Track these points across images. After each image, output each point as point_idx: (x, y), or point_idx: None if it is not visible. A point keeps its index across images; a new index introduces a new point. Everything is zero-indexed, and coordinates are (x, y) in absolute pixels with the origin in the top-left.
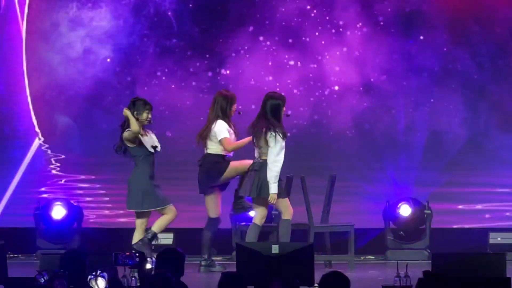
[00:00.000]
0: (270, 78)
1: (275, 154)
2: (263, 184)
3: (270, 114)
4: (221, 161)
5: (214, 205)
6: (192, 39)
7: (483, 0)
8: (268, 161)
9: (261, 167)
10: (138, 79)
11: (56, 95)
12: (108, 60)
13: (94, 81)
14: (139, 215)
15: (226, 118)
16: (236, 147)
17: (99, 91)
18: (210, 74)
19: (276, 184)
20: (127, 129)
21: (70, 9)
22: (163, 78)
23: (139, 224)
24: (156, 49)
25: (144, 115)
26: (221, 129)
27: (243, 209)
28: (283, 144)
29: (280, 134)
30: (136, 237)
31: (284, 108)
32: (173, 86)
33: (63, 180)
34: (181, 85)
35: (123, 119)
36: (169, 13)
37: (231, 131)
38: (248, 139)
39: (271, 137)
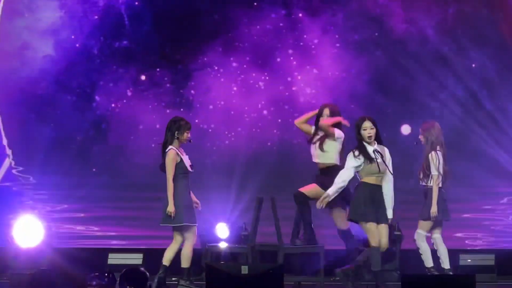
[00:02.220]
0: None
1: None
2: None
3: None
4: None
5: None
6: (154, 46)
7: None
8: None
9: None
10: (85, 83)
11: None
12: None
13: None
14: (179, 229)
15: None
16: None
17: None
18: (172, 87)
19: None
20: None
21: None
22: (118, 85)
23: (179, 237)
24: (114, 51)
25: (185, 135)
26: None
27: None
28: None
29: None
30: (172, 249)
31: None
32: (129, 94)
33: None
34: (142, 94)
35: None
36: (124, 13)
37: None
38: None
39: None
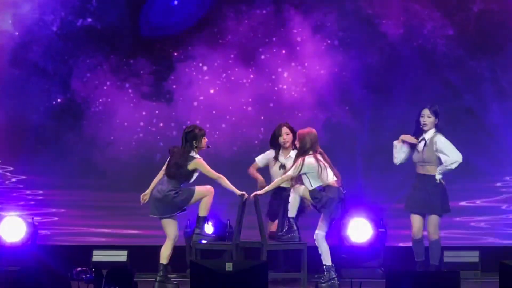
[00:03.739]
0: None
1: None
2: None
3: None
4: None
5: None
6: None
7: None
8: None
9: None
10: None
11: None
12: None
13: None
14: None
15: None
16: None
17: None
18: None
19: None
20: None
21: None
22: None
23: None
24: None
25: (203, 142)
26: None
27: None
28: None
29: None
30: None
31: None
32: (108, 83)
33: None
34: (116, 84)
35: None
36: None
37: None
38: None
39: None
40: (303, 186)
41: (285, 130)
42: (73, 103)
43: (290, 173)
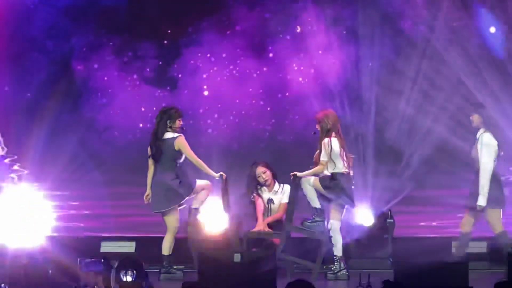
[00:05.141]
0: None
1: None
2: None
3: None
4: None
5: None
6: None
7: None
8: None
9: None
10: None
11: None
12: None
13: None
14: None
15: None
16: None
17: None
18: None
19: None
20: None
21: None
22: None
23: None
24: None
25: (177, 122)
26: None
27: None
28: None
29: None
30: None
31: None
32: (110, 65)
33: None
34: (119, 66)
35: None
36: None
37: None
38: None
39: None
40: (312, 177)
41: (260, 169)
42: (72, 83)
43: (323, 159)
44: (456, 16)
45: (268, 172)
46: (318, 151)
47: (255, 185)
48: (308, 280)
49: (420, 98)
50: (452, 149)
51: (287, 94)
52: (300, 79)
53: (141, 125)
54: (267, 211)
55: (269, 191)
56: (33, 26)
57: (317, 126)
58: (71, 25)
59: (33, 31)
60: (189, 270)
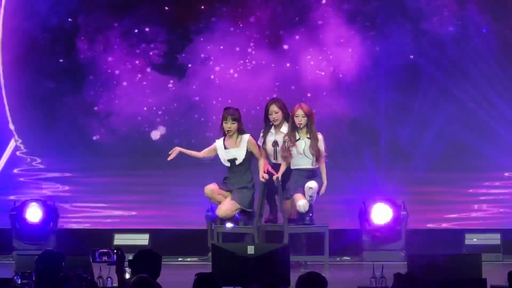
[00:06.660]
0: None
1: None
2: None
3: None
4: None
5: None
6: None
7: None
8: None
9: None
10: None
11: None
12: None
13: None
14: None
15: None
16: None
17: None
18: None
19: None
20: None
21: None
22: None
23: None
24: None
25: (224, 125)
26: None
27: None
28: None
29: None
30: None
31: None
32: (116, 47)
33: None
34: (125, 50)
35: None
36: None
37: None
38: None
39: None
40: (316, 186)
41: (273, 108)
42: (76, 64)
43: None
44: (483, 20)
45: (280, 113)
46: (310, 142)
47: (268, 123)
48: (319, 272)
49: (437, 96)
50: (466, 146)
51: (301, 86)
52: (317, 71)
53: (145, 108)
54: (274, 153)
55: (276, 133)
56: (37, 3)
57: (303, 120)
58: (78, 4)
59: (37, 7)
60: (203, 262)
